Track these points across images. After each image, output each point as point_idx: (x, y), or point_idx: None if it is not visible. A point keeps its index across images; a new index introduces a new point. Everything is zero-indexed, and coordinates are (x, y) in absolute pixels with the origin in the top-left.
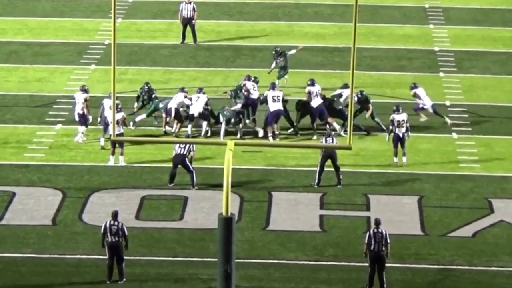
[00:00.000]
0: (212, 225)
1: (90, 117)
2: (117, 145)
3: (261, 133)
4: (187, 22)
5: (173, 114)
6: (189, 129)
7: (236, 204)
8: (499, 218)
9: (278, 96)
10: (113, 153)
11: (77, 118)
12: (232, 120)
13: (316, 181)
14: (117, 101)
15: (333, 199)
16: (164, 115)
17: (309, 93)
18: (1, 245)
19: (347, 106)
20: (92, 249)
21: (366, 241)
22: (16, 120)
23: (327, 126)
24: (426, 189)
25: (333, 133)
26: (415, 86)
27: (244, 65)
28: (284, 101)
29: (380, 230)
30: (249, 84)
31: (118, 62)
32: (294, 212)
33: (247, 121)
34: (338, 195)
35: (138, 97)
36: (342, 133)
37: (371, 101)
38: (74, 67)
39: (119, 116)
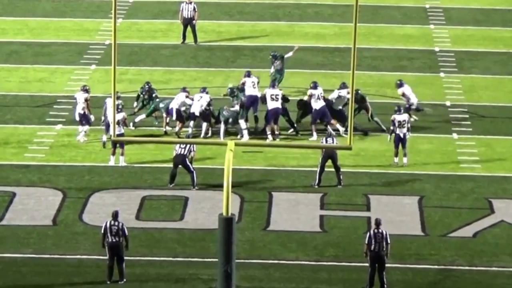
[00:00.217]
0: (213, 225)
1: (92, 116)
2: (117, 145)
3: (246, 136)
4: (188, 22)
5: (174, 114)
6: (190, 129)
7: (237, 204)
8: (500, 218)
9: (276, 95)
10: (113, 153)
11: (77, 118)
12: (230, 120)
13: (317, 181)
14: (118, 101)
15: (333, 199)
16: (164, 115)
17: (311, 96)
18: (2, 245)
19: (345, 105)
20: (92, 249)
21: (366, 242)
22: (16, 120)
23: (328, 127)
24: (427, 189)
25: (333, 133)
26: (401, 84)
27: (245, 65)
28: (286, 100)
29: (380, 230)
30: (249, 81)
31: (118, 62)
32: (295, 212)
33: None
34: (339, 195)
35: (138, 96)
36: (343, 133)
37: (368, 100)
38: (75, 67)
39: (120, 116)
